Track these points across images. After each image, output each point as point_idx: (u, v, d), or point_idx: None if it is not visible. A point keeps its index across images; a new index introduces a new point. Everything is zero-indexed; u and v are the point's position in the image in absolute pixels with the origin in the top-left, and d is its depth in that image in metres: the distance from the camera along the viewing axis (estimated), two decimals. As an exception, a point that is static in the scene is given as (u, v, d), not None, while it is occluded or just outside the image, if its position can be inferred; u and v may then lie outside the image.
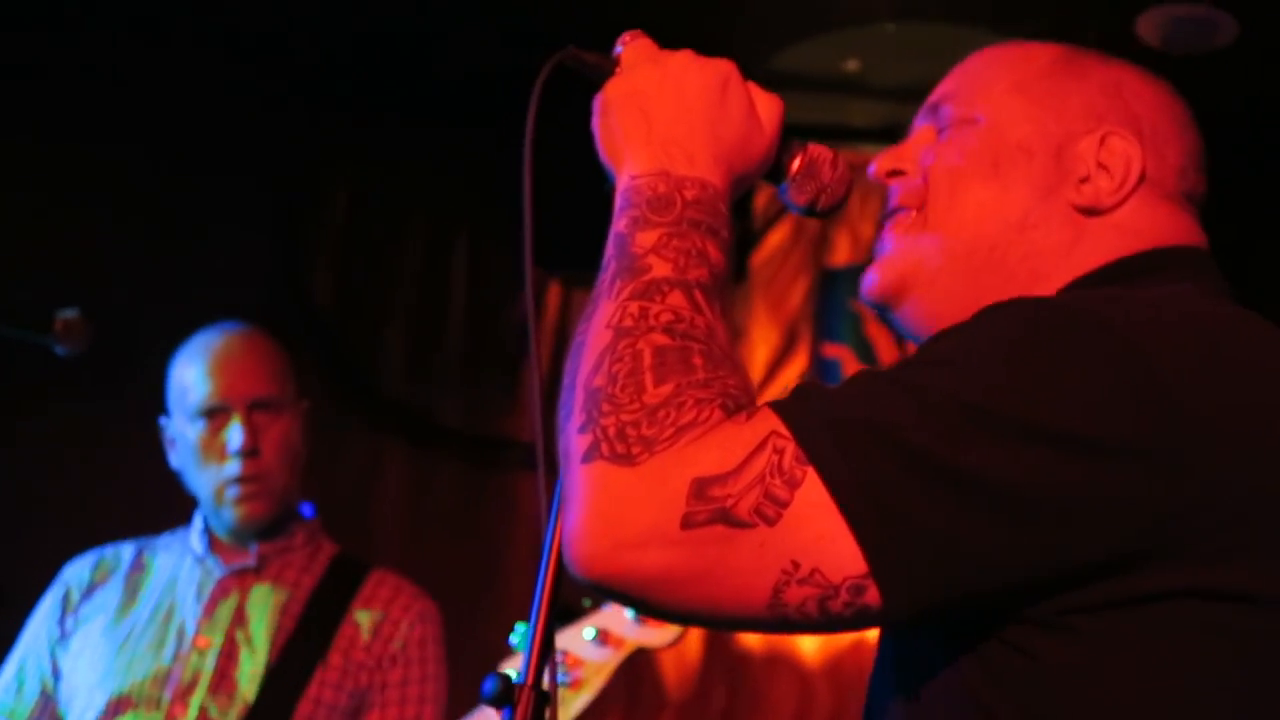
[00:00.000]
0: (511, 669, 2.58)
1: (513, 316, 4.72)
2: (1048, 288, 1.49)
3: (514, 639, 2.61)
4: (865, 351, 4.89)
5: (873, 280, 1.58)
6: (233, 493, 2.92)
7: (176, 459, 3.00)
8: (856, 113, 4.87)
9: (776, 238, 5.02)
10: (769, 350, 5.03)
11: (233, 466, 2.91)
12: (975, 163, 1.54)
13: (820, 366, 4.97)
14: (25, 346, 2.78)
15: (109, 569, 3.02)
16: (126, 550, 3.04)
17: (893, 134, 5.35)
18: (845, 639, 4.86)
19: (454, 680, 2.94)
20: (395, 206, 4.88)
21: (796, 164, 1.54)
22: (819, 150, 1.55)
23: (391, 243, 4.91)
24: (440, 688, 2.93)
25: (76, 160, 4.37)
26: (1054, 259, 1.51)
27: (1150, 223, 1.52)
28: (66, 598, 2.99)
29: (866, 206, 5.00)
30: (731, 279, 1.40)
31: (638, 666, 4.88)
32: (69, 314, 2.76)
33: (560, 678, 2.52)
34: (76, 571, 3.02)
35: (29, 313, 2.80)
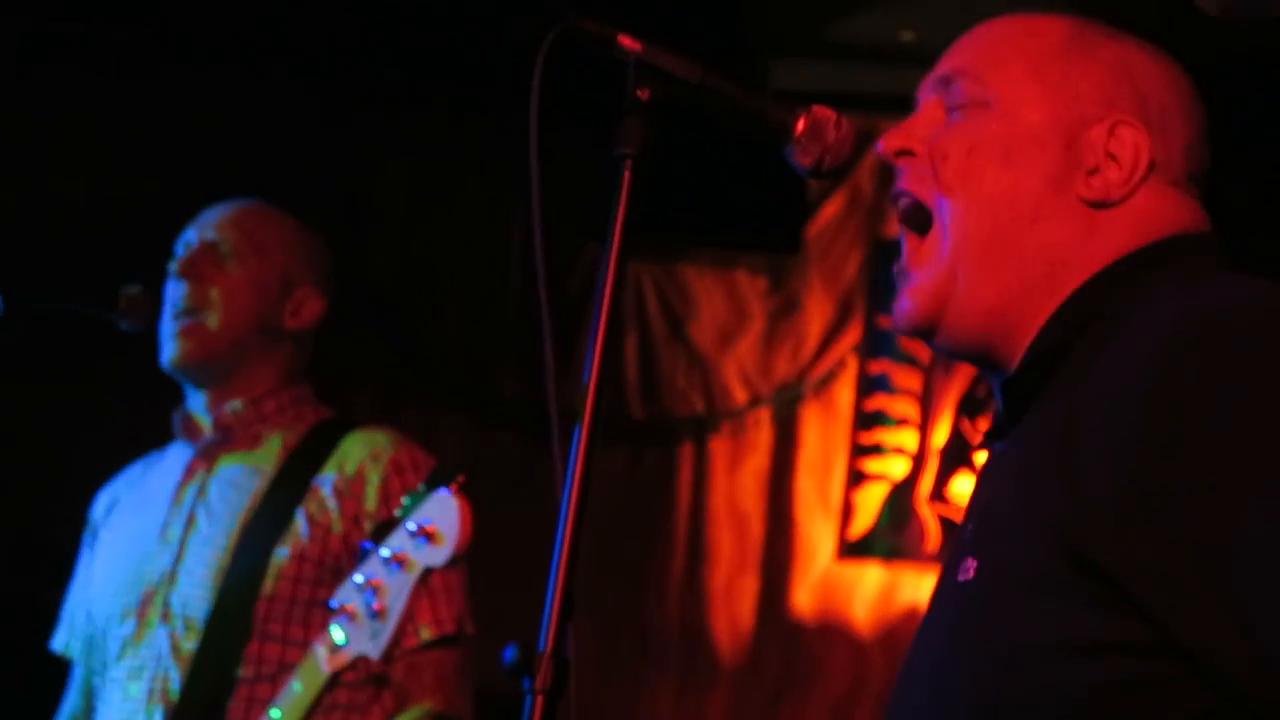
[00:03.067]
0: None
1: (571, 287, 4.74)
2: (1065, 278, 1.49)
3: None
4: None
5: (907, 309, 1.55)
6: (169, 328, 2.79)
7: None
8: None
9: (831, 209, 5.01)
10: (823, 322, 5.03)
11: (172, 291, 2.81)
12: (988, 153, 1.53)
13: (874, 338, 4.96)
14: (90, 322, 2.82)
15: (121, 490, 2.93)
16: (137, 466, 2.95)
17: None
18: (899, 607, 4.86)
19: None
20: (454, 177, 4.90)
21: (801, 126, 1.56)
22: (823, 112, 1.57)
23: (450, 213, 4.93)
24: None
25: (136, 141, 4.42)
26: (1068, 251, 1.50)
27: (1159, 212, 1.52)
28: (93, 534, 2.94)
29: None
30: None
31: (691, 640, 4.91)
32: (133, 290, 2.79)
33: (369, 599, 2.32)
34: (96, 507, 2.95)
35: (94, 288, 2.84)
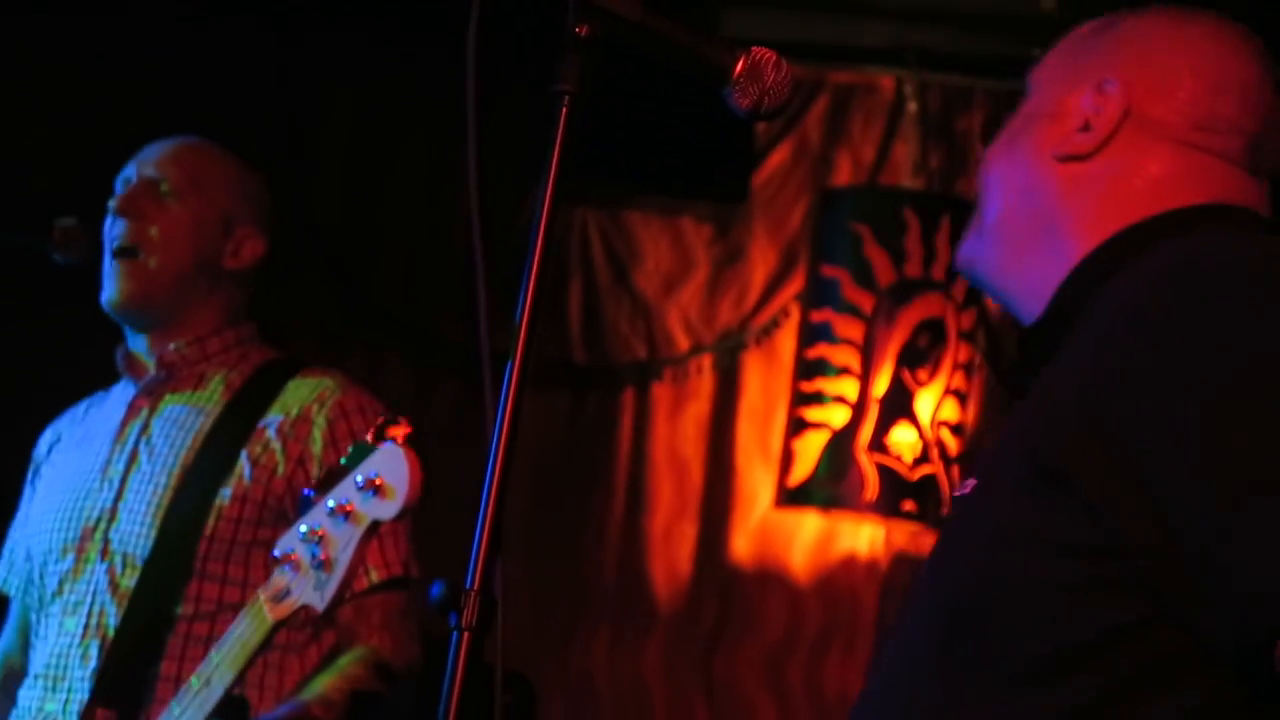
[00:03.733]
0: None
1: (515, 232, 4.72)
2: (1061, 237, 1.58)
3: None
4: (863, 272, 4.88)
5: (957, 254, 1.74)
6: (110, 267, 2.77)
7: None
8: (867, 33, 4.84)
9: (778, 158, 5.00)
10: (766, 270, 5.03)
11: (111, 228, 2.78)
12: (1002, 144, 1.67)
13: (817, 287, 4.97)
14: (24, 254, 2.78)
15: (65, 428, 2.93)
16: (82, 405, 2.94)
17: (901, 55, 5.28)
18: (836, 555, 4.90)
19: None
20: (399, 120, 4.87)
21: (739, 67, 1.57)
22: (762, 53, 1.58)
23: (395, 157, 4.90)
24: None
25: (78, 75, 4.36)
26: (1059, 217, 1.59)
27: (1144, 163, 1.57)
28: (35, 472, 2.94)
29: (869, 129, 4.99)
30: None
31: (628, 585, 4.92)
32: (67, 222, 2.76)
33: (314, 550, 2.26)
34: (39, 445, 2.95)
35: (28, 220, 2.80)
